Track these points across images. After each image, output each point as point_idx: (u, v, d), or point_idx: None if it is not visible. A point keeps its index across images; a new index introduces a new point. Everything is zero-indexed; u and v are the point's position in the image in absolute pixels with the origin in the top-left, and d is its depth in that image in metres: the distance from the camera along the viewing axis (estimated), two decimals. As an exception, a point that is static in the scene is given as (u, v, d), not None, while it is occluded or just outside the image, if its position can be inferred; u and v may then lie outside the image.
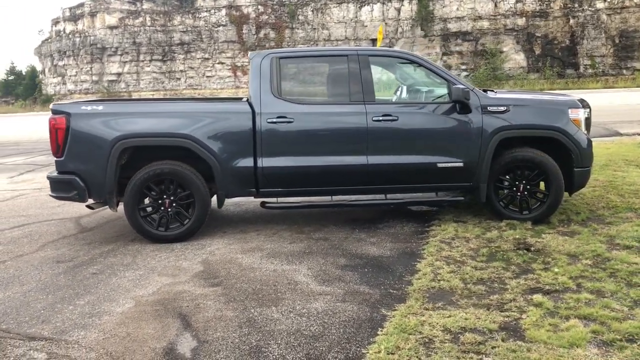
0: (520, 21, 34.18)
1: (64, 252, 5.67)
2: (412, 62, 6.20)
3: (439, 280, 4.51)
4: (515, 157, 6.09)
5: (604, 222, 6.06)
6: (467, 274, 4.63)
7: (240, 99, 6.21)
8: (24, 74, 49.41)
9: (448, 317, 3.81)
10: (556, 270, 4.65)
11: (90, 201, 5.90)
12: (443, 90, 6.14)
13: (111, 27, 37.34)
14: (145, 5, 37.88)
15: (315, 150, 5.91)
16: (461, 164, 5.99)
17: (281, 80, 5.98)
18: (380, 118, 5.90)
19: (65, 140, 5.66)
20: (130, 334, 3.73)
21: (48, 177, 5.90)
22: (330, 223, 6.51)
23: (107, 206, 5.91)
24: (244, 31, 36.38)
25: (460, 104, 5.93)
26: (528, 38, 34.29)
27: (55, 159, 5.75)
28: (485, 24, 34.55)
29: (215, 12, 37.05)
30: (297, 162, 5.88)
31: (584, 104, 6.30)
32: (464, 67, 35.13)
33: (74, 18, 39.16)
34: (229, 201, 7.67)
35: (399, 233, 6.03)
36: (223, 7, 36.95)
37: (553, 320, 3.69)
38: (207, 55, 36.90)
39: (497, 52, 34.05)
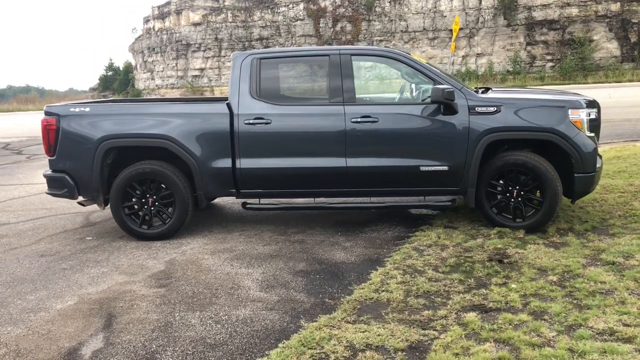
0: (614, 7, 31.74)
1: (54, 247, 5.98)
2: (395, 60, 5.92)
3: (382, 291, 4.33)
4: (507, 161, 5.70)
5: (607, 233, 5.55)
6: (416, 285, 4.40)
7: (223, 99, 6.23)
8: (120, 69, 52.53)
9: (362, 332, 3.65)
10: (512, 286, 4.31)
11: (81, 198, 6.17)
12: (433, 90, 5.83)
13: (195, 24, 38.75)
14: (227, 2, 38.98)
15: (292, 152, 5.83)
16: (446, 168, 5.69)
17: (261, 81, 5.93)
18: (359, 119, 5.71)
19: (56, 140, 5.96)
20: (50, 332, 3.87)
21: (44, 175, 6.24)
22: (317, 225, 6.42)
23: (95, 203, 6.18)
24: (320, 25, 36.51)
25: (444, 105, 5.62)
26: (622, 25, 31.80)
27: (48, 157, 6.07)
28: (574, 11, 32.43)
29: (293, 7, 37.43)
30: (274, 163, 5.83)
31: (589, 104, 5.77)
32: (549, 57, 33.24)
33: (162, 16, 41.05)
34: (235, 200, 7.77)
35: (378, 238, 5.83)
36: (301, 1, 37.25)
37: (467, 343, 3.42)
38: (285, 50, 37.39)
39: (587, 41, 31.88)
